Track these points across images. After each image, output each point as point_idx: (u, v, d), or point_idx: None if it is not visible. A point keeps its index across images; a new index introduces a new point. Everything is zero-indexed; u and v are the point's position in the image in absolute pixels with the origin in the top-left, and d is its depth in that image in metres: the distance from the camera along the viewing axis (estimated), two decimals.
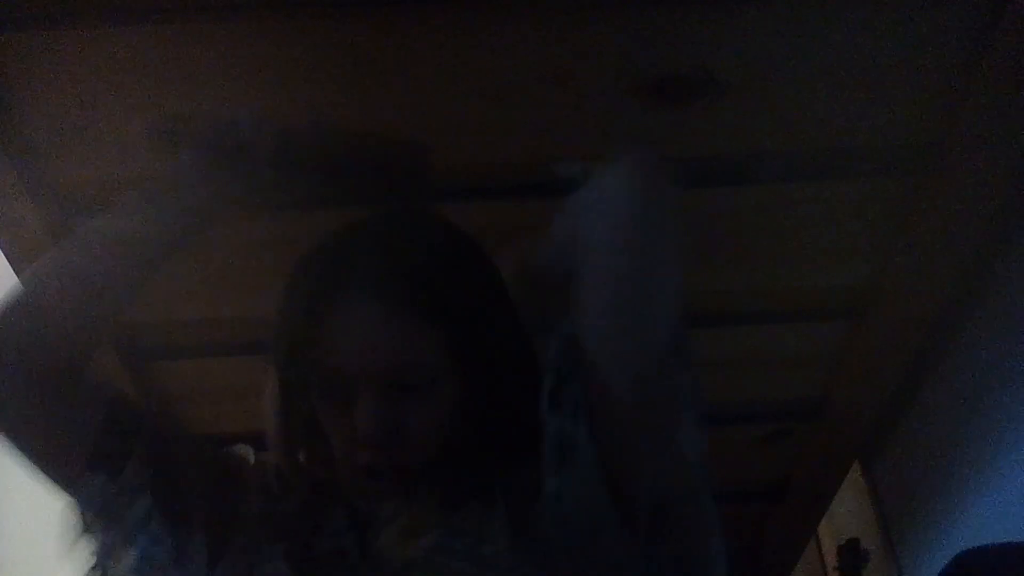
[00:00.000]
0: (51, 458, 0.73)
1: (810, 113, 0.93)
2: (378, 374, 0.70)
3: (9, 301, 0.73)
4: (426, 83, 0.88)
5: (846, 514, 1.67)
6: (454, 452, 0.74)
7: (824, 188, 1.02)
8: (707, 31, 0.85)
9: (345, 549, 0.75)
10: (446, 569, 0.70)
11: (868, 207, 1.04)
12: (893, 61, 0.88)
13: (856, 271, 1.12)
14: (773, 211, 1.04)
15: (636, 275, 0.71)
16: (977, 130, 0.92)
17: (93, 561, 0.74)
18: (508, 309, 0.78)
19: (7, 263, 1.01)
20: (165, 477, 0.75)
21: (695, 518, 0.72)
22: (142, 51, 0.84)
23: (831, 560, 1.74)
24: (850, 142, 0.97)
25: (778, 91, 0.90)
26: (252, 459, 0.86)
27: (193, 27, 0.83)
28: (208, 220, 0.84)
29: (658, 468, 0.71)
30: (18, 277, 1.00)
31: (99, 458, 0.72)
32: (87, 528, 0.74)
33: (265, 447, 0.92)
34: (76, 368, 0.74)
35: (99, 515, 0.73)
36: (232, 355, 1.18)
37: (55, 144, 0.91)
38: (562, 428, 0.69)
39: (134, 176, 0.95)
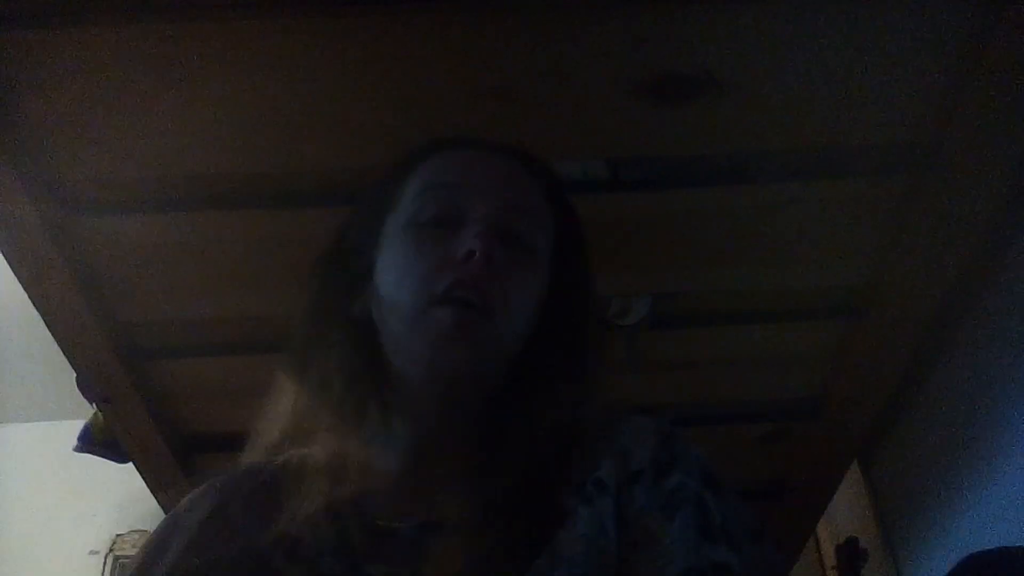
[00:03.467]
0: None
1: (810, 113, 0.93)
2: (496, 208, 0.68)
3: None
4: (426, 83, 0.88)
5: (845, 513, 1.67)
6: (521, 338, 0.69)
7: (824, 188, 1.02)
8: (707, 31, 0.85)
9: (323, 543, 0.65)
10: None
11: (868, 207, 1.04)
12: (893, 61, 0.88)
13: (856, 271, 1.12)
14: (773, 211, 1.04)
15: None
16: (976, 130, 0.92)
17: None
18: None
19: (7, 263, 1.01)
20: None
21: None
22: (142, 51, 0.84)
23: (829, 559, 1.74)
24: (849, 142, 0.97)
25: (778, 91, 0.90)
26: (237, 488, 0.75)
27: (193, 27, 0.82)
28: None
29: None
30: (18, 277, 1.00)
31: None
32: None
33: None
34: None
35: None
36: (232, 355, 1.18)
37: (55, 144, 0.91)
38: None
39: (134, 176, 0.95)
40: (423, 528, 0.65)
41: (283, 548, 0.65)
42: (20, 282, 1.03)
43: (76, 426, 1.51)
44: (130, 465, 1.38)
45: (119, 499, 2.10)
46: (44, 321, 1.09)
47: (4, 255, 0.99)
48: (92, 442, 1.50)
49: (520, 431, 0.68)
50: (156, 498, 1.37)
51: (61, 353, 1.15)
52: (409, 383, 0.68)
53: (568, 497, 0.64)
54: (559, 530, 0.62)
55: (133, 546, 2.13)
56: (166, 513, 0.74)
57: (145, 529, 2.05)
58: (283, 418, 0.73)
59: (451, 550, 0.63)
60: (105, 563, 2.14)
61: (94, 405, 1.35)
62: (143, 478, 1.39)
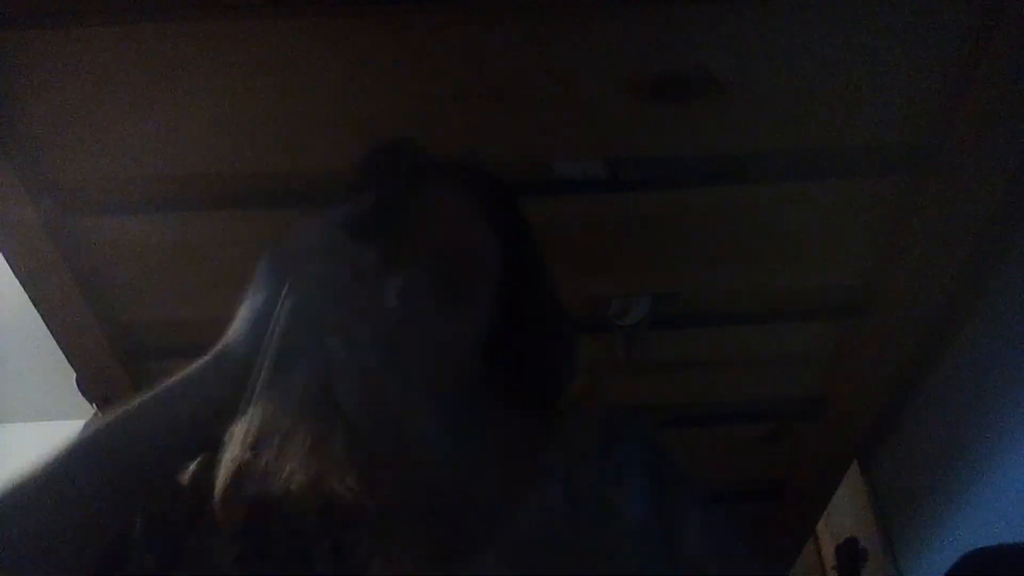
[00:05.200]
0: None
1: (810, 113, 0.93)
2: (427, 251, 0.68)
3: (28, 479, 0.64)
4: (426, 83, 0.88)
5: (844, 513, 1.67)
6: (451, 488, 0.67)
7: (824, 188, 1.02)
8: (707, 31, 0.85)
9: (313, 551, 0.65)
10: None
11: (868, 207, 1.04)
12: (893, 61, 0.89)
13: (856, 271, 1.12)
14: (773, 211, 1.04)
15: None
16: (977, 130, 0.92)
17: None
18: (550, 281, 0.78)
19: (7, 263, 1.01)
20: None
21: None
22: (142, 51, 0.84)
23: (829, 559, 1.74)
24: (849, 142, 0.97)
25: (778, 91, 0.91)
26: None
27: (193, 27, 0.83)
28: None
29: None
30: (18, 277, 0.99)
31: None
32: None
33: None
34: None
35: None
36: None
37: (55, 144, 0.91)
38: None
39: (134, 176, 0.95)
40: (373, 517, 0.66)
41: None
42: (20, 282, 1.03)
43: (76, 426, 1.51)
44: None
45: None
46: (44, 321, 1.09)
47: (4, 255, 0.99)
48: None
49: (483, 425, 0.71)
50: None
51: (61, 353, 1.15)
52: None
53: (519, 485, 0.68)
54: (510, 517, 0.66)
55: None
56: None
57: None
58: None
59: (399, 539, 0.65)
60: None
61: (94, 405, 1.35)
62: None
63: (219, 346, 0.69)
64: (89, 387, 1.24)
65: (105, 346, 1.13)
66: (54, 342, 1.13)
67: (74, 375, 1.22)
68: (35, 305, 1.07)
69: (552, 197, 1.01)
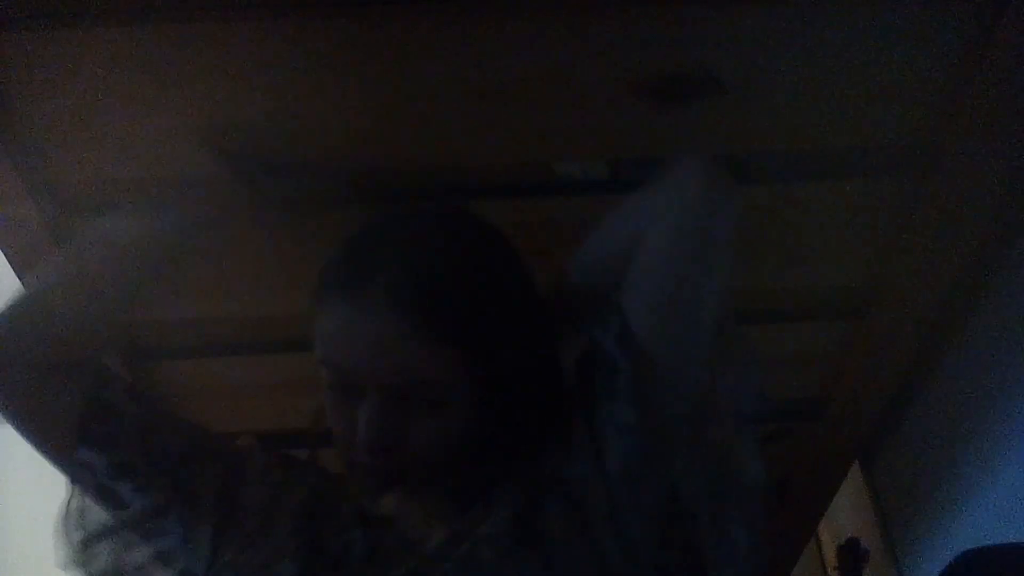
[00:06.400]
0: (50, 439, 0.77)
1: (810, 113, 0.93)
2: (385, 385, 0.69)
3: (15, 302, 0.76)
4: (426, 83, 0.88)
5: (846, 514, 1.67)
6: (459, 458, 0.74)
7: (824, 188, 1.02)
8: (707, 31, 0.85)
9: (352, 550, 0.75)
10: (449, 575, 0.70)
11: (868, 207, 1.04)
12: (893, 61, 0.88)
13: (856, 271, 1.12)
14: (773, 211, 1.04)
15: (695, 273, 0.72)
16: (977, 130, 0.92)
17: (86, 543, 0.76)
18: (534, 319, 0.77)
19: (7, 263, 1.01)
20: (160, 458, 0.78)
21: (726, 545, 0.72)
22: (142, 51, 0.84)
23: (831, 560, 1.74)
24: (850, 142, 0.97)
25: (778, 91, 0.90)
26: (257, 452, 0.87)
27: (193, 27, 0.82)
28: (212, 228, 0.85)
29: (698, 465, 0.71)
30: (18, 277, 1.00)
31: (88, 433, 0.75)
32: (82, 512, 0.76)
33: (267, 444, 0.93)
34: (83, 362, 0.77)
35: (94, 492, 0.76)
36: (232, 355, 1.18)
37: (55, 144, 0.91)
38: (624, 420, 0.69)
39: (134, 176, 0.95)
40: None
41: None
42: (20, 282, 1.03)
43: None
44: None
45: None
46: None
47: (4, 255, 0.99)
48: None
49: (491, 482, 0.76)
50: None
51: None
52: None
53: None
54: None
55: None
56: None
57: None
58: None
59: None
60: None
61: None
62: None
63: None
64: None
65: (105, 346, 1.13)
66: None
67: None
68: None
69: (552, 197, 1.01)
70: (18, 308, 0.76)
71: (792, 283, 1.14)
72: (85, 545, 0.77)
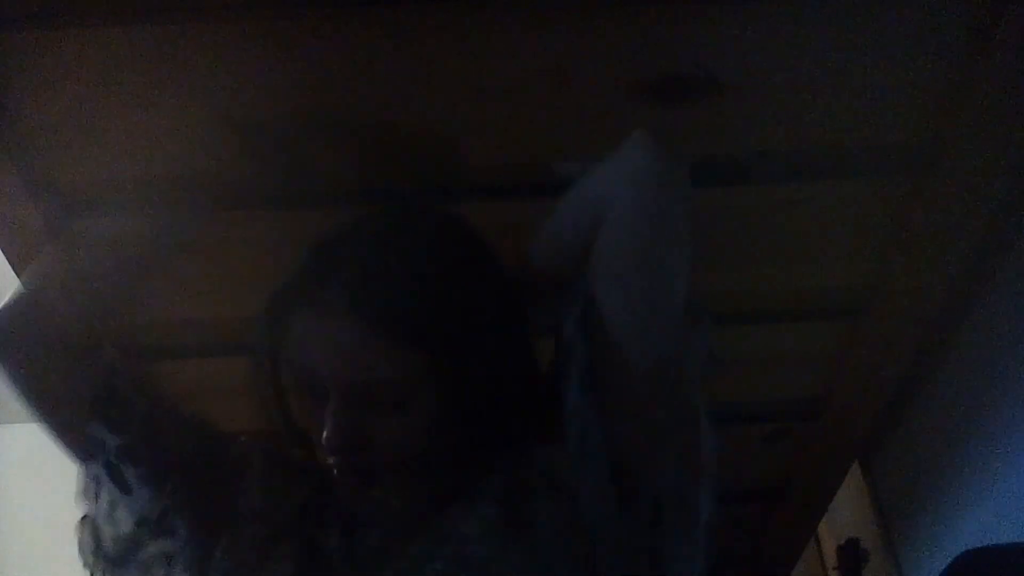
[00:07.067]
0: (62, 414, 0.79)
1: (810, 113, 0.93)
2: (348, 386, 0.69)
3: (15, 297, 0.79)
4: (426, 83, 0.88)
5: (846, 514, 1.67)
6: (430, 456, 0.74)
7: (824, 188, 1.02)
8: (707, 31, 0.85)
9: (342, 551, 0.75)
10: (433, 574, 0.70)
11: (868, 207, 1.04)
12: (893, 61, 0.88)
13: (856, 271, 1.12)
14: (773, 211, 1.04)
15: (659, 242, 0.71)
16: (977, 130, 0.92)
17: (90, 522, 0.77)
18: (503, 316, 0.77)
19: (7, 263, 1.01)
20: (163, 452, 0.80)
21: (691, 519, 0.71)
22: (142, 51, 0.84)
23: (831, 560, 1.74)
24: (850, 142, 0.97)
25: (778, 91, 0.90)
26: (258, 452, 0.87)
27: (193, 27, 0.82)
28: (206, 224, 0.86)
29: (666, 454, 0.70)
30: (18, 277, 1.00)
31: (99, 411, 0.77)
32: (87, 490, 0.78)
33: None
34: (92, 349, 0.80)
35: (104, 468, 0.77)
36: (232, 355, 1.18)
37: (55, 144, 0.91)
38: (575, 404, 0.69)
39: (134, 176, 0.95)
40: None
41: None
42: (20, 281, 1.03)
43: None
44: None
45: None
46: None
47: (4, 255, 0.99)
48: None
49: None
50: None
51: None
52: None
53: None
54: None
55: None
56: None
57: None
58: None
59: None
60: None
61: None
62: None
63: None
64: None
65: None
66: None
67: None
68: None
69: (552, 197, 1.00)
70: (17, 302, 0.79)
71: (792, 283, 1.14)
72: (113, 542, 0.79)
